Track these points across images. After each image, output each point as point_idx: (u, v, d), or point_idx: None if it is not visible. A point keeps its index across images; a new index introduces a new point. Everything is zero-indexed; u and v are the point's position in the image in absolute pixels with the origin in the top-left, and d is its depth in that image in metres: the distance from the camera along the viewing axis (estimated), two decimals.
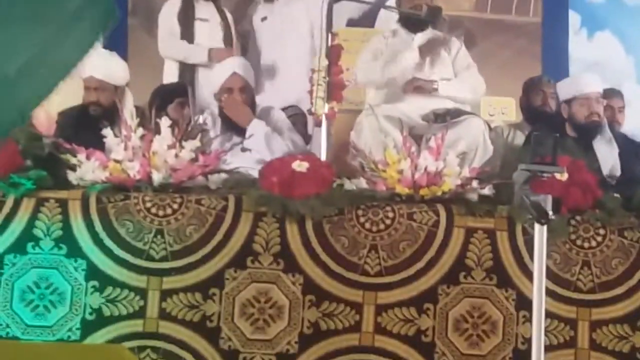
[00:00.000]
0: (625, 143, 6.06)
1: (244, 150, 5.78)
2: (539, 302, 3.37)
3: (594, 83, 6.11)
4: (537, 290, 3.22)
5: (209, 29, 6.92)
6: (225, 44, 6.95)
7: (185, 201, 4.70)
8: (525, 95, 6.77)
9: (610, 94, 6.51)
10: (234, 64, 6.10)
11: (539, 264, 3.20)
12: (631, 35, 7.63)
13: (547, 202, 3.14)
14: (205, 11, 6.95)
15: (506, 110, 7.04)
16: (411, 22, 6.23)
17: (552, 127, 5.92)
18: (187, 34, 6.87)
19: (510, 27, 7.84)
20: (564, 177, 4.66)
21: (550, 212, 3.16)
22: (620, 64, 7.63)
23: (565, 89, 6.12)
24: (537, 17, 7.83)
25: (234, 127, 5.90)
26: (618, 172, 5.57)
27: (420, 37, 6.20)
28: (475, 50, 6.65)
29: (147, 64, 7.05)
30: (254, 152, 5.73)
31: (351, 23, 7.52)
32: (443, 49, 6.25)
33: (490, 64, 7.11)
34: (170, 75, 6.88)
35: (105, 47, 6.60)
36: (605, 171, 5.33)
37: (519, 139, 6.46)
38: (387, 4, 7.16)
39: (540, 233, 3.21)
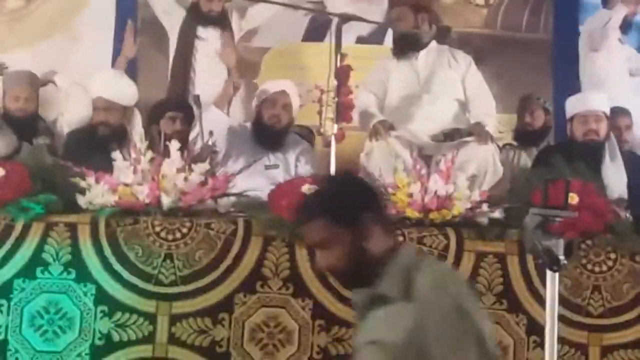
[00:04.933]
0: (633, 162, 6.01)
1: (268, 167, 5.81)
2: (552, 331, 3.34)
3: (595, 101, 6.06)
4: (550, 328, 3.18)
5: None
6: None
7: (194, 225, 4.70)
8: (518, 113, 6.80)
9: (617, 112, 6.47)
10: (287, 84, 6.22)
11: (551, 309, 3.17)
12: None
13: (559, 247, 3.11)
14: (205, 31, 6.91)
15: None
16: (412, 41, 6.16)
17: (560, 147, 5.91)
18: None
19: (520, 44, 7.82)
20: (575, 200, 4.63)
21: (562, 257, 3.13)
22: (629, 81, 7.58)
23: (569, 107, 6.09)
24: (547, 33, 7.82)
25: (267, 138, 5.97)
26: (626, 195, 5.52)
27: (423, 56, 6.16)
28: (484, 67, 6.60)
29: (157, 82, 7.03)
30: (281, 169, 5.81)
31: (360, 40, 7.52)
32: (450, 65, 6.20)
33: (499, 81, 7.08)
34: None
35: (116, 66, 6.65)
36: (614, 194, 5.27)
37: (524, 159, 6.43)
38: None
39: (552, 279, 3.19)
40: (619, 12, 7.01)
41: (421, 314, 2.63)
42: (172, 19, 7.05)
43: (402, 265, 2.76)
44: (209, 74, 6.79)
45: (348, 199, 2.83)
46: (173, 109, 6.21)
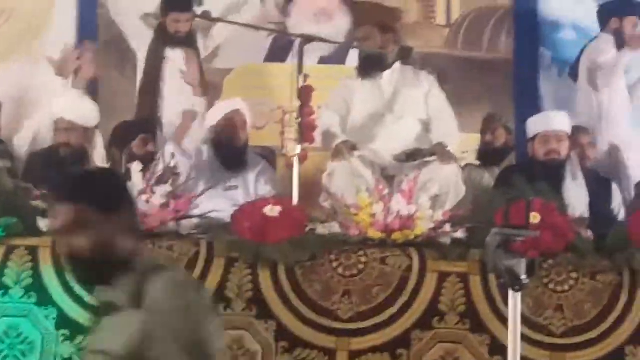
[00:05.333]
0: (594, 180, 6.05)
1: (228, 189, 5.79)
2: (515, 351, 3.34)
3: (557, 120, 6.08)
4: (512, 348, 3.18)
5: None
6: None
7: (156, 247, 4.67)
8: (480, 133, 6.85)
9: (579, 130, 6.51)
10: (239, 103, 6.21)
11: (513, 328, 3.18)
12: None
13: (521, 267, 3.11)
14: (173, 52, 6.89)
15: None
16: (377, 61, 6.17)
17: (522, 167, 5.95)
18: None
19: (482, 64, 7.86)
20: (537, 219, 4.65)
21: (524, 277, 3.14)
22: (591, 101, 7.63)
23: (531, 127, 6.12)
24: (508, 54, 7.86)
25: (228, 158, 5.98)
26: (587, 214, 5.55)
27: (387, 76, 6.17)
28: (446, 87, 6.61)
29: (118, 103, 7.01)
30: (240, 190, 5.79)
31: (323, 60, 7.52)
32: (413, 85, 6.21)
33: (461, 101, 7.10)
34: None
35: (75, 87, 6.62)
36: (575, 213, 5.30)
37: (486, 179, 6.46)
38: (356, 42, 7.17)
39: (514, 298, 3.19)
40: (627, 56, 6.96)
41: (148, 322, 2.60)
42: (139, 39, 7.04)
43: (138, 273, 2.70)
44: (176, 94, 6.79)
45: (110, 190, 2.78)
46: (140, 131, 6.20)
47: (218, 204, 5.31)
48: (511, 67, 7.84)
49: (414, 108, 6.12)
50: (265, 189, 5.91)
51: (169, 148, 5.87)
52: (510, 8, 7.93)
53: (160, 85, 6.78)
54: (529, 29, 7.90)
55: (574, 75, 7.27)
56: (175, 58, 6.82)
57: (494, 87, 7.74)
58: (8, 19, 7.41)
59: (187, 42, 6.89)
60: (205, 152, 6.12)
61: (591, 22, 7.63)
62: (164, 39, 6.84)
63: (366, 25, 6.18)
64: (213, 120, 6.15)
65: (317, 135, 5.80)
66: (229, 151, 6.03)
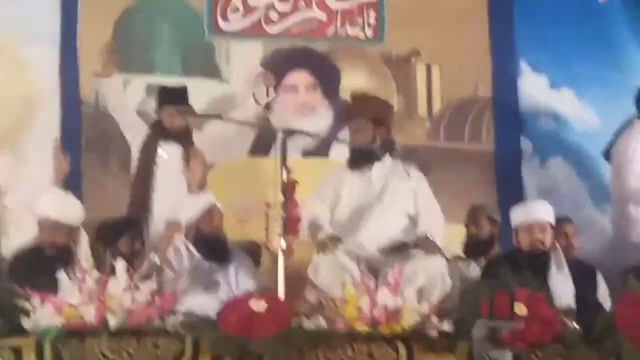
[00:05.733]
0: (579, 269, 6.05)
1: (209, 286, 5.78)
2: None
3: (540, 210, 6.11)
4: None
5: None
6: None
7: (141, 345, 4.64)
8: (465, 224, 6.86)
9: (562, 220, 6.53)
10: (211, 196, 6.23)
11: None
12: (583, 161, 7.72)
13: (507, 359, 3.11)
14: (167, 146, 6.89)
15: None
16: (368, 154, 6.22)
17: (507, 257, 5.96)
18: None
19: (464, 155, 7.92)
20: (523, 311, 4.64)
21: None
22: (574, 190, 7.69)
23: (514, 217, 6.14)
24: (490, 144, 7.94)
25: (209, 255, 5.97)
26: (573, 304, 5.55)
27: (377, 169, 6.21)
28: (429, 178, 6.66)
29: (103, 200, 7.02)
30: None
31: (306, 154, 7.57)
32: (403, 179, 6.24)
33: (445, 192, 7.13)
34: None
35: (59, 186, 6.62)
36: (562, 304, 5.30)
37: (473, 270, 6.45)
38: (339, 135, 7.24)
39: None
40: None
41: None
42: (134, 133, 7.05)
43: None
44: (169, 190, 6.77)
45: None
46: (126, 228, 6.19)
47: (202, 299, 5.30)
48: (493, 157, 7.91)
49: (401, 201, 6.16)
50: (246, 283, 5.88)
51: (153, 256, 5.85)
52: (491, 99, 8.02)
53: (152, 180, 6.77)
54: (510, 119, 7.98)
55: (607, 158, 7.21)
56: (170, 152, 6.82)
57: (477, 177, 7.79)
58: None
59: (183, 136, 6.89)
60: (185, 248, 6.10)
61: (570, 110, 7.74)
62: (159, 133, 6.85)
63: (360, 118, 6.23)
64: (190, 215, 6.16)
65: (303, 226, 5.79)
66: (210, 246, 6.02)
